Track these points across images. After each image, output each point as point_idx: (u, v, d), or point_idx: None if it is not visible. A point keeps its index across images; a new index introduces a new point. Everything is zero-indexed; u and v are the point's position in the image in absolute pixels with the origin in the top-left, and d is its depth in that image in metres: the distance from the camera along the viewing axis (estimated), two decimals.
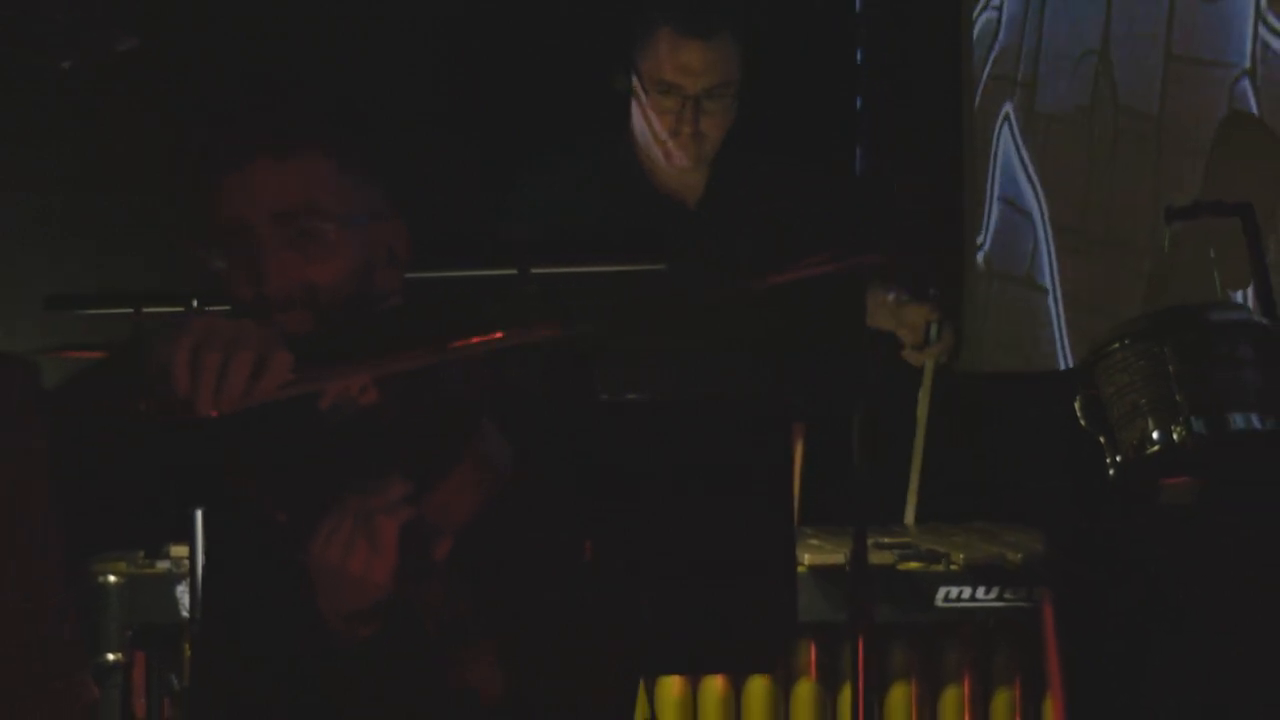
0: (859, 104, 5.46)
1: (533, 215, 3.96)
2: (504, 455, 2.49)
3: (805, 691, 3.62)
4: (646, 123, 3.89)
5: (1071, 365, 5.20)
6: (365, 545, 2.43)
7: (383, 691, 2.55)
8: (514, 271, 3.35)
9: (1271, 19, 4.35)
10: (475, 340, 2.47)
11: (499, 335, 2.48)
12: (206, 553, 2.94)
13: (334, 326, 2.57)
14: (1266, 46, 4.37)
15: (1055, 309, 5.35)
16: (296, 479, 2.51)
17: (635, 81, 3.89)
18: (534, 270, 3.35)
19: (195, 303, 3.44)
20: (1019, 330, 5.47)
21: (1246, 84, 4.42)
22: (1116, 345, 3.21)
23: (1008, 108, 5.53)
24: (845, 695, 3.58)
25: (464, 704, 2.54)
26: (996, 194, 5.58)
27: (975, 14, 5.55)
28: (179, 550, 3.51)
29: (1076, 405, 3.23)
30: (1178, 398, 3.13)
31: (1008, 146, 5.51)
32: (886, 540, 3.76)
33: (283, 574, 2.49)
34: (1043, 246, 5.43)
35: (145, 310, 3.49)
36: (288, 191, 2.59)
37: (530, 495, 2.56)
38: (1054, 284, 5.37)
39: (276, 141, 2.61)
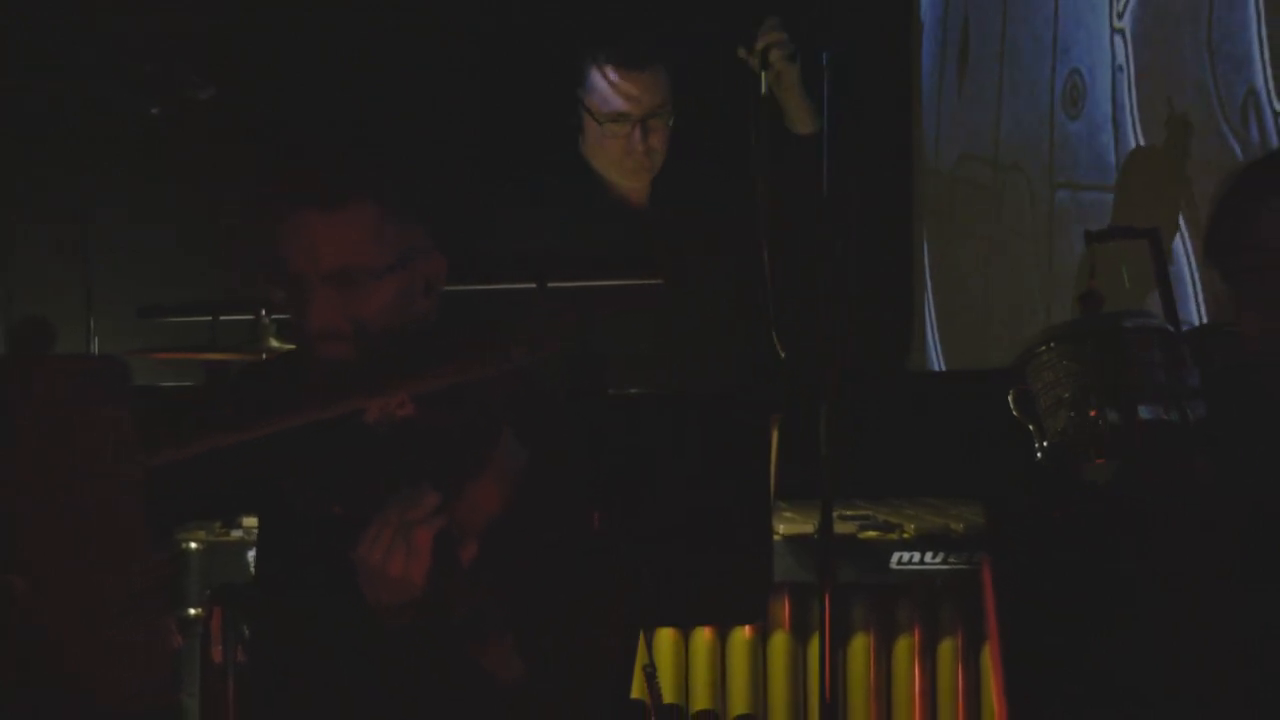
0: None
1: (520, 231, 4.17)
2: (520, 459, 2.62)
3: (780, 641, 3.78)
4: (600, 149, 4.25)
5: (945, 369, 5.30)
6: (403, 551, 2.54)
7: (412, 672, 2.67)
8: (533, 285, 3.51)
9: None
10: (491, 364, 2.61)
11: (511, 355, 2.61)
12: (260, 542, 2.99)
13: (373, 354, 2.66)
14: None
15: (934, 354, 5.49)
16: (350, 478, 2.66)
17: (586, 116, 4.24)
18: (550, 284, 3.51)
19: (264, 312, 3.62)
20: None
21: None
22: (1044, 347, 3.31)
23: None
24: (814, 644, 3.74)
25: (482, 686, 2.67)
26: None
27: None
28: (250, 521, 3.64)
29: (1010, 398, 3.32)
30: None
31: None
32: (849, 513, 3.90)
33: (337, 561, 2.63)
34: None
35: (222, 318, 3.64)
36: (337, 250, 2.64)
37: (549, 482, 2.70)
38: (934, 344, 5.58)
39: (327, 194, 2.64)
